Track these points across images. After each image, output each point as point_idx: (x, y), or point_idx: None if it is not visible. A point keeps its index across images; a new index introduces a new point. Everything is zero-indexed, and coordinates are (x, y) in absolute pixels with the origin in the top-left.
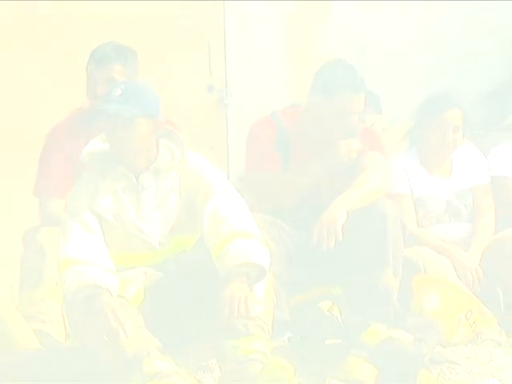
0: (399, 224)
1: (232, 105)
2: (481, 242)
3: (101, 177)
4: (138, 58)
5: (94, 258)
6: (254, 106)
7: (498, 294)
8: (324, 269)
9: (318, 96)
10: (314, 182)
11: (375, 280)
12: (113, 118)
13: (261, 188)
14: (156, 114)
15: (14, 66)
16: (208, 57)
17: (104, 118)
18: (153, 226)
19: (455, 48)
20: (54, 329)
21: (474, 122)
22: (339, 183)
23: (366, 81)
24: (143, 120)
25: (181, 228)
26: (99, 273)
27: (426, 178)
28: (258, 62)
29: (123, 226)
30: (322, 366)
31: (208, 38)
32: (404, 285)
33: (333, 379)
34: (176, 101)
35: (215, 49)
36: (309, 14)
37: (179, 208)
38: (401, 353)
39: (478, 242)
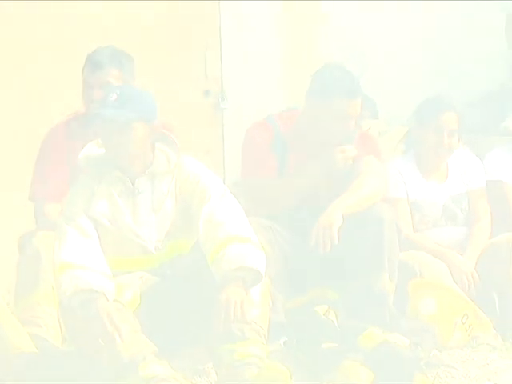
0: (395, 228)
1: (228, 109)
2: (476, 246)
3: (96, 181)
4: (134, 62)
5: (90, 262)
6: (250, 110)
7: (494, 297)
8: (320, 273)
9: (315, 98)
10: (310, 186)
11: (371, 284)
12: (108, 123)
13: (257, 192)
14: (152, 118)
15: (13, 66)
16: (204, 61)
17: (100, 122)
18: (149, 231)
19: (455, 48)
20: (50, 333)
21: (470, 125)
22: (335, 187)
23: (365, 81)
24: (139, 124)
25: (176, 232)
26: (95, 277)
27: (422, 182)
28: (254, 66)
29: (119, 230)
30: (319, 370)
31: (204, 41)
32: (400, 289)
33: (329, 383)
34: (172, 105)
35: (211, 53)
36: (306, 15)
37: (175, 212)
38: (397, 356)
39: (473, 246)
